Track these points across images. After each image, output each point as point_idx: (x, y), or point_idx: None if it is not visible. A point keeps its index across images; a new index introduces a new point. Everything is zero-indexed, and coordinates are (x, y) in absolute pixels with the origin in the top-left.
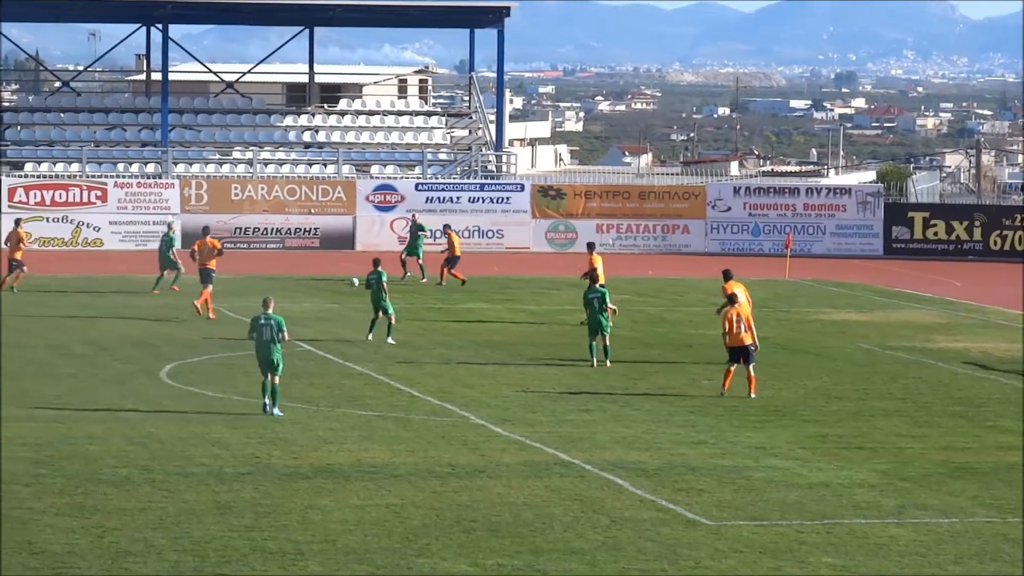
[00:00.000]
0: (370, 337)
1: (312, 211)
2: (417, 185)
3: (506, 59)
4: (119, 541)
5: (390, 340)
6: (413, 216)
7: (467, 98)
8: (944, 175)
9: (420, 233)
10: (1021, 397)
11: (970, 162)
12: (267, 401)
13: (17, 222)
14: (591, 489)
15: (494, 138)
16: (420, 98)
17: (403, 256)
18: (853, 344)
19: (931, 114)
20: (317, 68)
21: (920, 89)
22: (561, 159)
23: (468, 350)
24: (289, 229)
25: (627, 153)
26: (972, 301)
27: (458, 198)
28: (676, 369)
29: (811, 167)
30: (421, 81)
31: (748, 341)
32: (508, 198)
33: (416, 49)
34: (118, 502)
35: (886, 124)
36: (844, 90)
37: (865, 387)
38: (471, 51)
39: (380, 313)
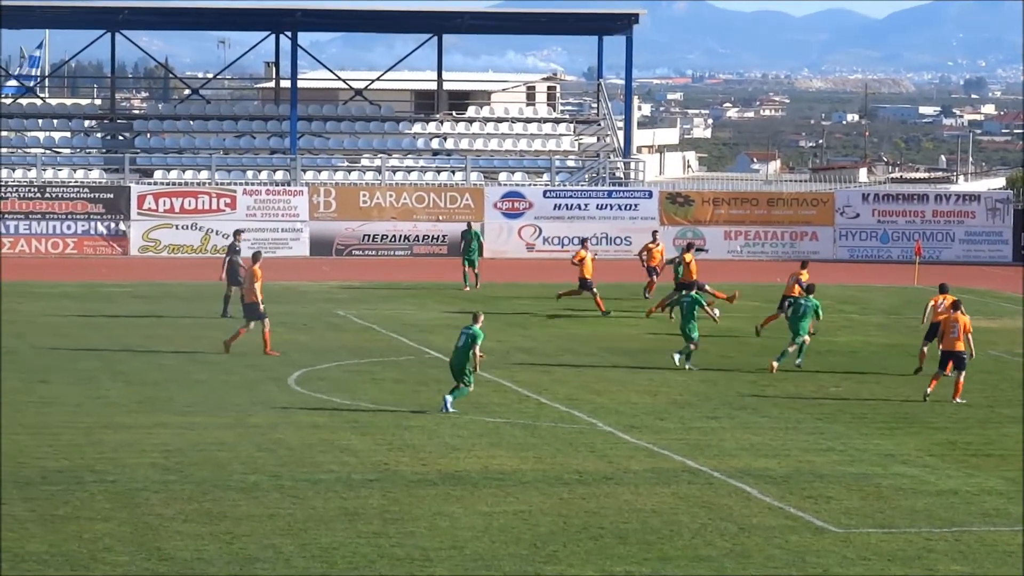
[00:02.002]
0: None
1: (440, 218)
2: (545, 192)
3: (634, 66)
4: (247, 547)
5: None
6: (468, 224)
7: (595, 105)
8: None
9: (474, 242)
10: None
11: None
12: (448, 402)
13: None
14: (719, 496)
15: (622, 145)
16: (548, 105)
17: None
18: (982, 351)
19: None
20: (445, 75)
21: None
22: (689, 166)
23: (596, 356)
24: (417, 236)
25: (755, 160)
26: None
27: (586, 205)
28: (805, 376)
29: (940, 173)
30: (549, 88)
31: (961, 348)
32: (636, 205)
33: (543, 56)
34: (247, 508)
35: (1016, 130)
36: (973, 96)
37: (993, 394)
38: (599, 58)
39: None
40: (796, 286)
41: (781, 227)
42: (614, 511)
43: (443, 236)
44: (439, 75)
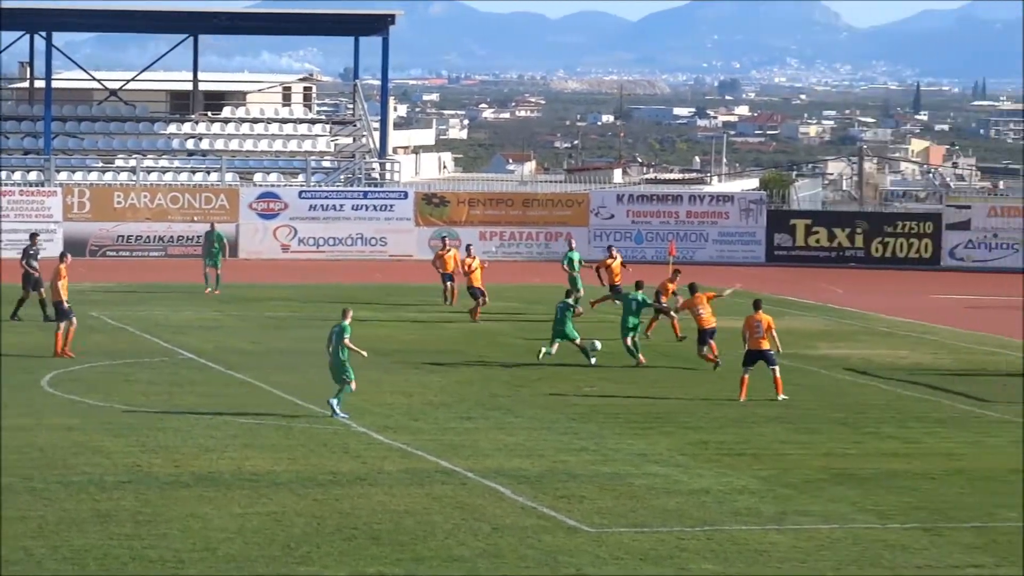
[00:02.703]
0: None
1: (195, 219)
2: (300, 193)
3: (390, 67)
4: None
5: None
6: (212, 225)
7: (351, 106)
8: (826, 182)
9: (216, 244)
10: (904, 404)
11: (852, 169)
12: (334, 405)
13: None
14: (473, 496)
15: (378, 146)
16: (304, 106)
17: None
18: (735, 351)
19: (814, 122)
20: (200, 76)
21: (803, 97)
22: (445, 167)
23: (352, 358)
24: (172, 237)
25: (511, 161)
26: (854, 308)
27: (342, 206)
28: (559, 376)
29: (694, 174)
30: (305, 89)
31: (767, 346)
32: (392, 206)
33: (298, 57)
34: None
35: (769, 132)
36: (728, 98)
37: (748, 393)
38: (355, 59)
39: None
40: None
41: (536, 228)
42: (368, 512)
43: (198, 237)
44: (195, 75)
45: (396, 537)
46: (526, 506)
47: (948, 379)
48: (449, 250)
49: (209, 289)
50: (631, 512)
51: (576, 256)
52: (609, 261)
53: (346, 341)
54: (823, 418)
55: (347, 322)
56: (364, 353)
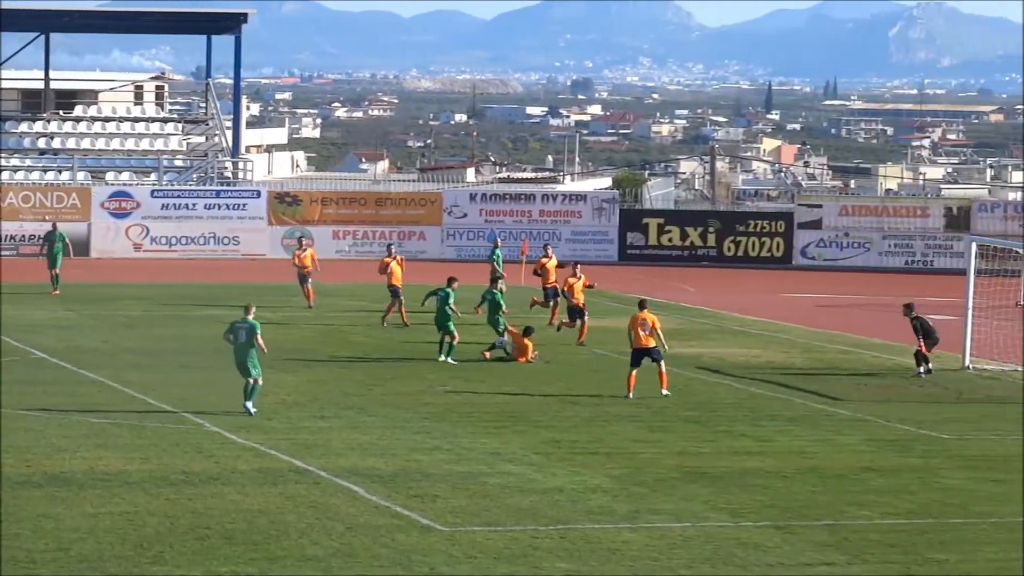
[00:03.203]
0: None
1: (47, 218)
2: (153, 192)
3: (243, 65)
4: None
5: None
6: (54, 225)
7: (203, 105)
8: (679, 181)
9: (58, 244)
10: (757, 402)
11: (704, 169)
12: (249, 407)
13: None
14: (326, 496)
15: (230, 145)
16: (156, 104)
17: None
18: (589, 350)
19: (666, 121)
20: (52, 74)
21: (656, 96)
22: (298, 166)
23: (206, 357)
24: (23, 236)
25: (364, 160)
26: (706, 307)
27: (194, 205)
28: (413, 375)
29: (547, 174)
30: (158, 87)
31: (653, 343)
32: (244, 205)
33: (150, 55)
34: None
35: (622, 131)
36: (580, 97)
37: (600, 392)
38: (208, 57)
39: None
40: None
41: (389, 227)
42: (221, 511)
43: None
44: (46, 74)
45: (249, 536)
46: (380, 505)
47: (800, 378)
48: (306, 249)
49: (56, 290)
50: (484, 511)
51: (500, 254)
52: (544, 260)
53: (258, 338)
54: (676, 417)
55: (251, 317)
56: (266, 350)
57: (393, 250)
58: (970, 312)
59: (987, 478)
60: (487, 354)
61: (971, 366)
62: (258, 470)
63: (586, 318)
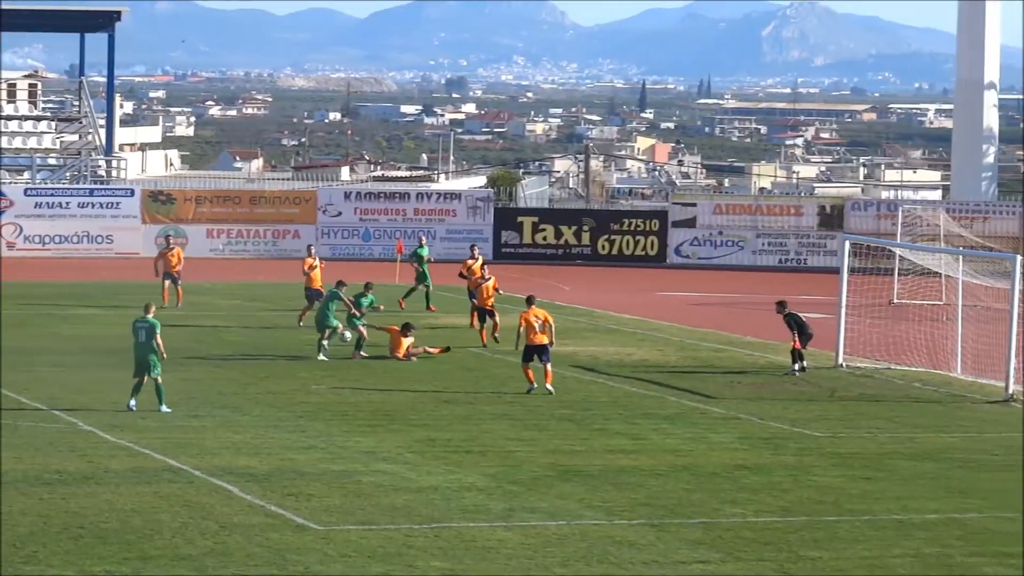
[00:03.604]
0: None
1: None
2: (26, 190)
3: (116, 63)
4: None
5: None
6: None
7: (77, 103)
8: (553, 180)
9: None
10: (631, 400)
11: (579, 167)
12: (133, 402)
13: None
14: (200, 495)
15: (104, 143)
16: (29, 103)
17: None
18: (463, 349)
19: (541, 120)
20: None
21: (530, 95)
22: (172, 164)
23: (79, 356)
24: None
25: (238, 158)
26: (580, 305)
27: (68, 203)
28: (288, 374)
29: (421, 172)
30: (31, 86)
31: (544, 340)
32: (118, 203)
33: (22, 53)
34: None
35: (496, 129)
36: (455, 96)
37: (475, 391)
38: (81, 55)
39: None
40: None
41: (264, 225)
42: (94, 511)
43: None
44: None
45: (123, 536)
46: (254, 504)
47: (674, 376)
48: (172, 248)
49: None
50: (359, 510)
51: (424, 252)
52: (470, 262)
53: (157, 337)
54: (550, 415)
55: (151, 316)
56: (164, 355)
57: (313, 251)
58: (843, 310)
59: (860, 476)
60: (359, 354)
61: (844, 364)
62: (132, 469)
63: (497, 319)
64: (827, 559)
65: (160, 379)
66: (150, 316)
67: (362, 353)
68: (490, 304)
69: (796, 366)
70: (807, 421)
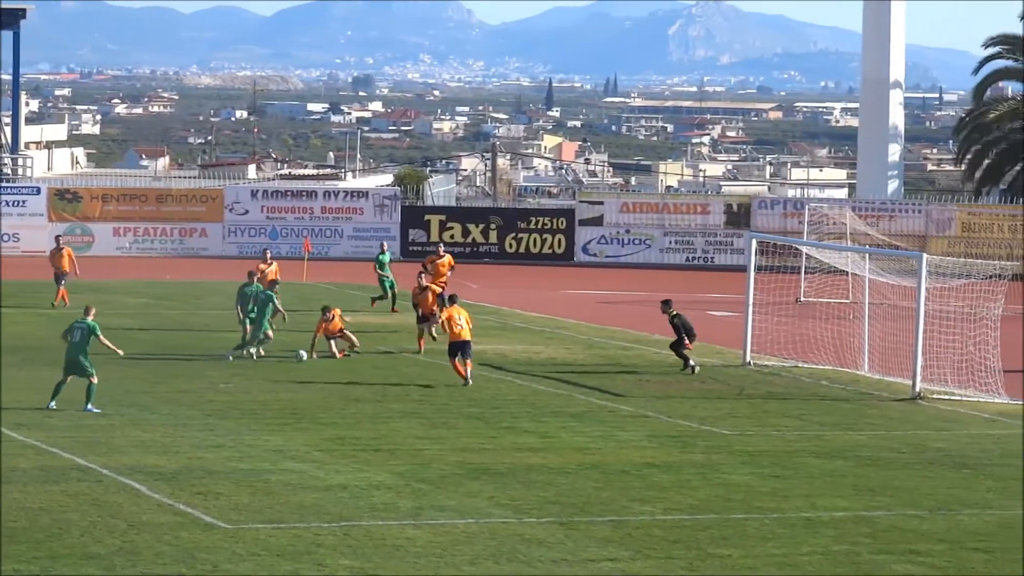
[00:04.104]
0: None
1: None
2: None
3: (22, 61)
4: None
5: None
6: None
7: None
8: (460, 178)
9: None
10: (540, 398)
11: (486, 165)
12: (53, 403)
13: None
14: (109, 494)
15: (10, 141)
16: None
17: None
18: (372, 346)
19: (448, 118)
20: None
21: (437, 93)
22: (78, 162)
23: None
24: None
25: (144, 156)
26: (488, 303)
27: None
28: (196, 373)
29: (328, 170)
30: None
31: (468, 337)
32: (24, 201)
33: None
34: None
35: (403, 128)
36: (361, 94)
37: (383, 389)
38: None
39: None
40: None
41: (171, 223)
42: (3, 510)
43: None
44: None
45: (32, 535)
46: (163, 503)
47: (582, 374)
48: (62, 249)
49: None
50: (268, 508)
51: (386, 258)
52: (435, 259)
53: (101, 339)
54: (458, 413)
55: (91, 319)
56: (120, 352)
57: (269, 255)
58: (750, 308)
59: (769, 474)
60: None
61: (751, 362)
62: (40, 468)
63: (439, 319)
64: (736, 557)
65: (95, 380)
66: (89, 319)
67: (262, 351)
68: (432, 309)
69: (692, 362)
70: (715, 419)
